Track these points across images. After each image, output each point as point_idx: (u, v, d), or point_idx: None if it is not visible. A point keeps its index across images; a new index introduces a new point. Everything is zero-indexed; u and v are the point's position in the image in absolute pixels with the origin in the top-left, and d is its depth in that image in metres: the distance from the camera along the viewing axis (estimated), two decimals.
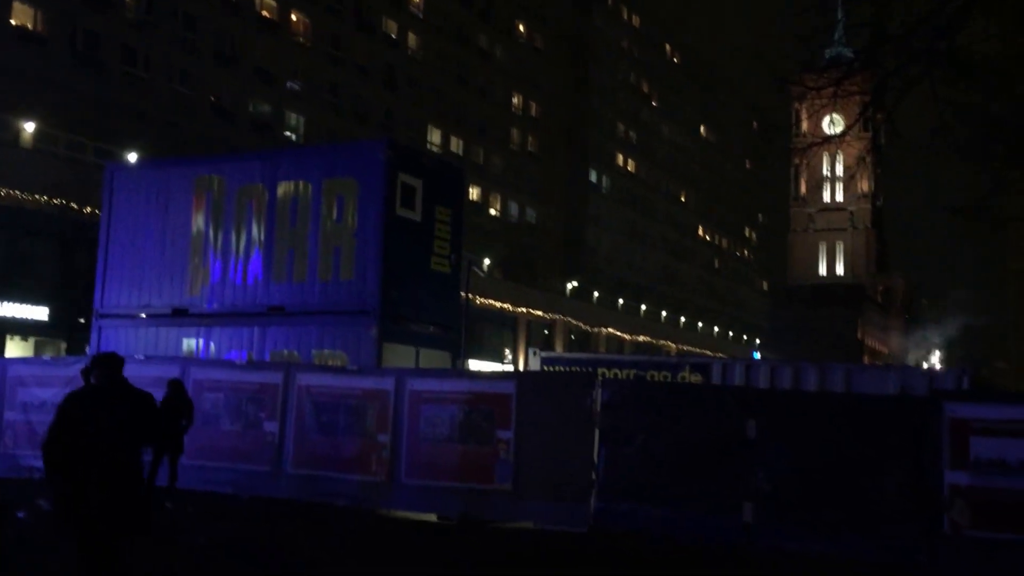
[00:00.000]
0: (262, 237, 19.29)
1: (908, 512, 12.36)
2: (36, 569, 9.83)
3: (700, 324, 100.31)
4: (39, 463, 16.88)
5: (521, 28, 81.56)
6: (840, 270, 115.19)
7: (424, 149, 63.72)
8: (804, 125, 70.61)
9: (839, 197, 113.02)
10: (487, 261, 65.16)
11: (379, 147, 18.60)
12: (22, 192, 35.86)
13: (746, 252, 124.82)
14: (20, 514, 13.41)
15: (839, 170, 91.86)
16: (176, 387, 15.58)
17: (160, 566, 10.83)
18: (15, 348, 36.93)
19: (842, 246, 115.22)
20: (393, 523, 14.60)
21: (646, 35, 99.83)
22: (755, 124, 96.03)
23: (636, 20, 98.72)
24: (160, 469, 15.32)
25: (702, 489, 13.25)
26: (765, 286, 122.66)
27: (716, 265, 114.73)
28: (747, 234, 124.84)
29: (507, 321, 63.40)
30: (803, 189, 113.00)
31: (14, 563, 8.91)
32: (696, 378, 21.52)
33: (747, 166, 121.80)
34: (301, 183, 19.06)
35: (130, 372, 16.30)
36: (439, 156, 63.06)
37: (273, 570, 10.56)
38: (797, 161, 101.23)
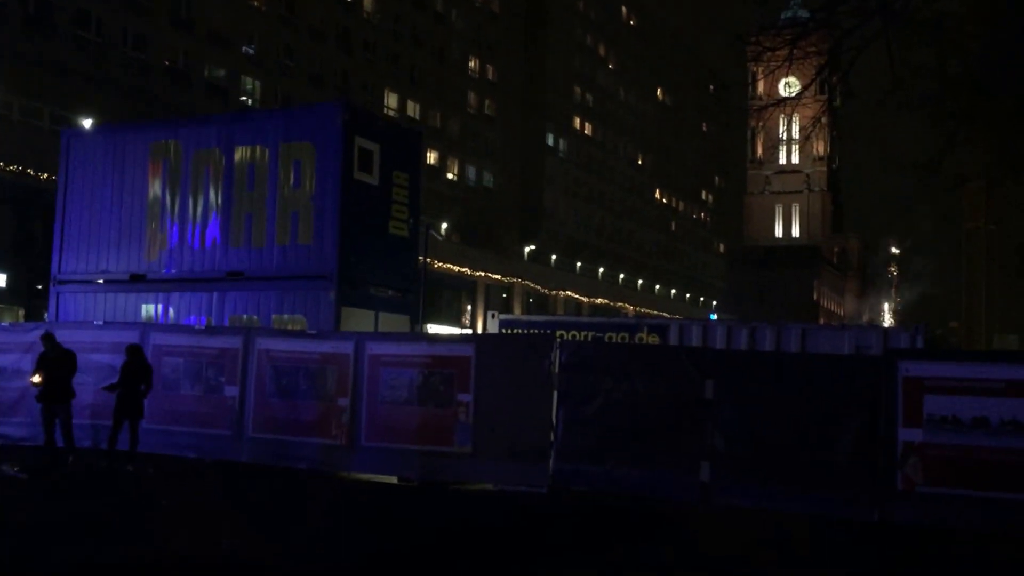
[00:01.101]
0: (219, 202, 19.22)
1: (862, 469, 12.66)
2: None
3: (657, 287, 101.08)
4: (4, 429, 17.02)
5: None
6: (796, 232, 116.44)
7: (381, 113, 63.37)
8: (760, 87, 71.09)
9: (795, 160, 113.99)
10: (445, 225, 65.15)
11: (336, 110, 18.53)
12: None
13: (703, 215, 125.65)
14: None
15: (795, 132, 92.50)
16: (134, 352, 15.59)
17: (126, 525, 10.94)
18: None
19: (798, 208, 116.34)
20: (354, 485, 14.76)
21: None
22: (711, 87, 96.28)
23: None
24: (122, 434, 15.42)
25: (660, 449, 13.49)
26: (722, 248, 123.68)
27: (673, 228, 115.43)
28: (704, 197, 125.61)
29: (466, 285, 63.53)
30: (759, 152, 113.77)
31: None
32: (654, 339, 21.71)
33: (703, 129, 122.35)
34: (258, 148, 18.98)
35: (88, 337, 16.42)
36: (396, 120, 62.76)
37: (234, 532, 10.68)
38: (753, 124, 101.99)
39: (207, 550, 9.91)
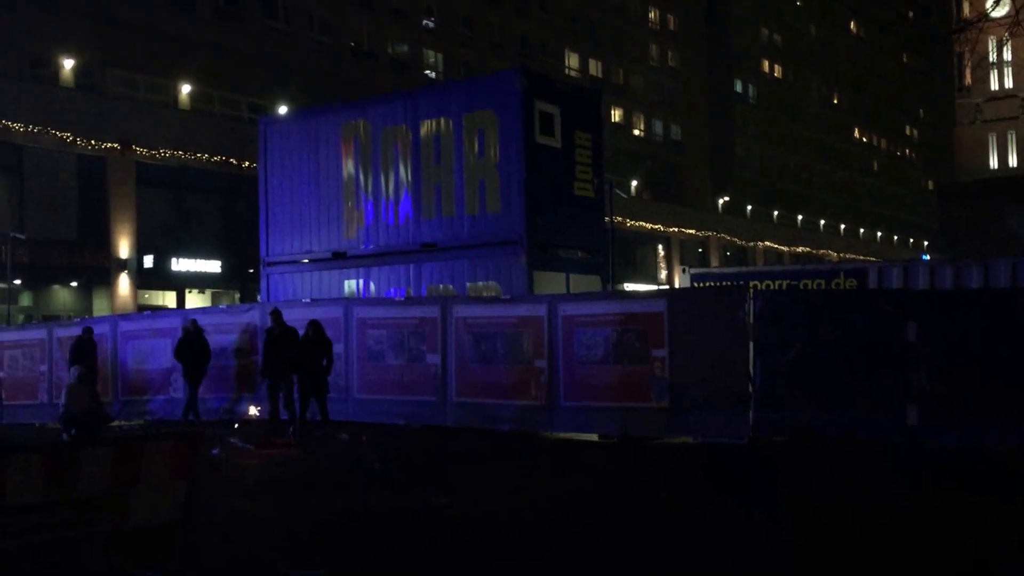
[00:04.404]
0: (409, 177, 19.82)
1: None
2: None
3: (862, 231, 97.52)
4: (226, 404, 18.21)
5: None
6: (1013, 162, 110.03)
7: (561, 75, 63.40)
8: (965, 8, 67.14)
9: (1008, 83, 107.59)
10: (635, 183, 64.79)
11: (514, 77, 18.77)
12: (184, 152, 37.46)
13: (907, 151, 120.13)
14: (215, 451, 14.43)
15: (1007, 55, 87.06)
16: (315, 327, 16.18)
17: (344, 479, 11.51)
18: (194, 300, 38.97)
19: (1014, 136, 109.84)
20: (556, 443, 15.03)
21: None
22: (910, 13, 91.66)
23: None
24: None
25: (862, 394, 13.20)
26: (931, 185, 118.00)
27: (875, 167, 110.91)
28: (907, 132, 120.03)
29: (659, 241, 63.07)
30: (967, 79, 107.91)
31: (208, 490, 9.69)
32: (851, 284, 21.14)
33: (903, 59, 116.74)
34: (442, 120, 19.46)
35: (298, 315, 17.30)
36: (575, 81, 62.62)
37: (449, 477, 11.05)
38: (959, 49, 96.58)
39: (445, 499, 10.35)
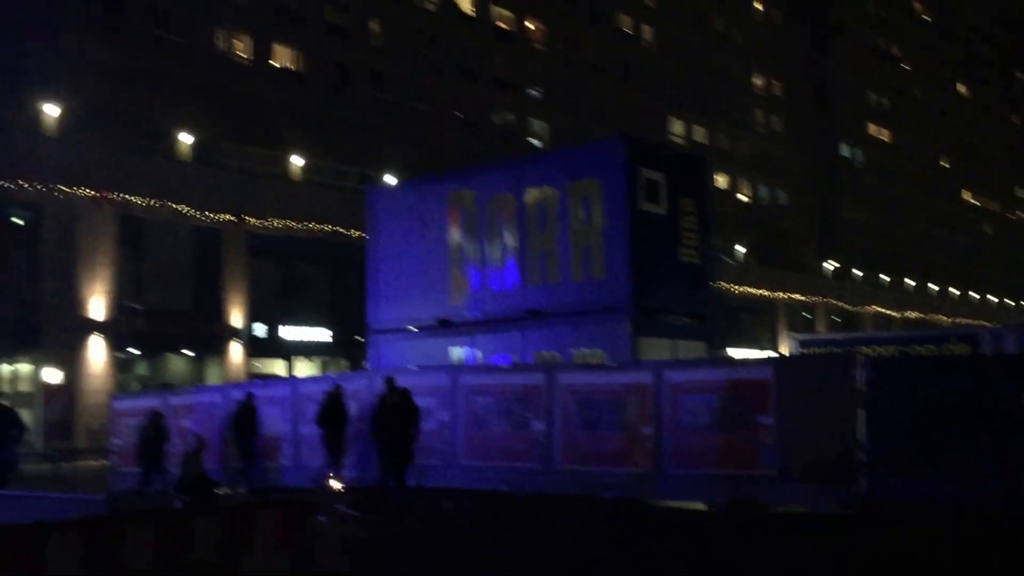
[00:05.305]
0: (515, 244, 20.01)
1: None
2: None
3: (974, 295, 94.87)
4: (334, 471, 18.33)
5: (757, 5, 79.87)
6: None
7: (665, 141, 63.59)
8: None
9: None
10: (740, 248, 64.27)
11: (617, 145, 18.90)
12: (294, 221, 38.48)
13: (1020, 213, 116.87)
14: (321, 517, 14.59)
15: None
16: (404, 395, 16.38)
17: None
18: (303, 368, 39.72)
19: None
20: (662, 511, 14.87)
21: None
22: (1017, 73, 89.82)
23: None
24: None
25: (976, 461, 12.84)
26: None
27: (986, 230, 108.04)
28: (1021, 194, 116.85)
29: (766, 307, 62.33)
30: None
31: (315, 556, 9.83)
32: (964, 349, 20.64)
33: (1013, 120, 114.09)
34: (547, 188, 19.66)
35: (405, 382, 17.49)
36: (680, 148, 62.76)
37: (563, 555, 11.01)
38: None
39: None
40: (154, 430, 19.03)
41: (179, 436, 19.93)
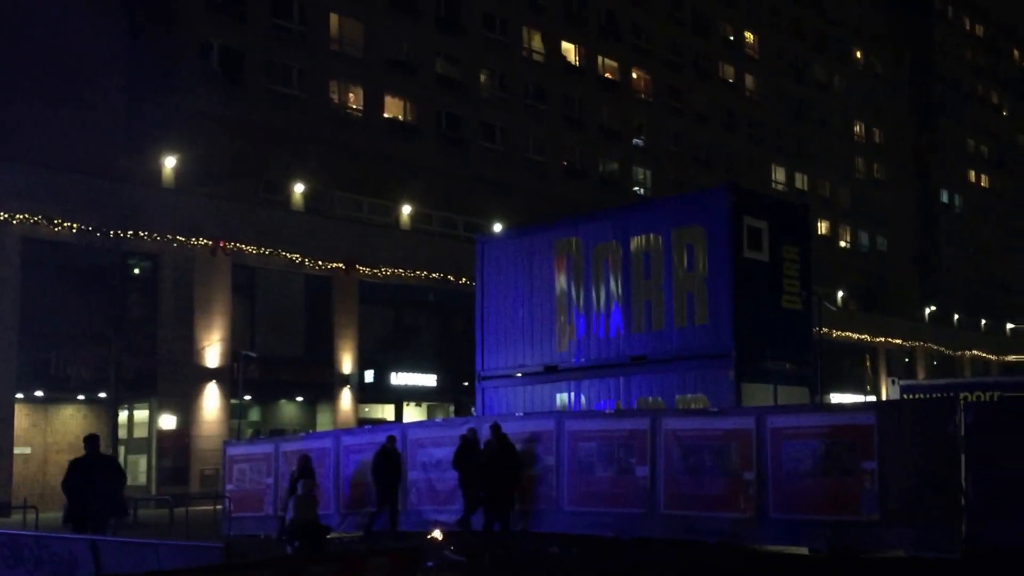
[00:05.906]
0: (619, 291, 20.44)
1: None
2: None
3: None
4: (441, 517, 18.63)
5: (858, 54, 79.56)
6: None
7: (768, 189, 63.56)
8: None
9: None
10: (841, 294, 63.70)
11: (722, 194, 19.30)
12: (404, 270, 39.41)
13: None
14: (429, 563, 15.00)
15: None
16: (502, 440, 16.74)
17: None
18: (412, 413, 40.44)
19: None
20: (766, 556, 15.08)
21: (990, 42, 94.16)
22: None
23: (979, 29, 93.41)
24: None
25: None
26: None
27: None
28: None
29: (866, 352, 61.66)
30: None
31: None
32: None
33: None
34: (651, 236, 20.07)
35: (510, 428, 17.93)
36: (782, 196, 62.79)
37: None
38: None
39: None
40: (300, 472, 19.31)
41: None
